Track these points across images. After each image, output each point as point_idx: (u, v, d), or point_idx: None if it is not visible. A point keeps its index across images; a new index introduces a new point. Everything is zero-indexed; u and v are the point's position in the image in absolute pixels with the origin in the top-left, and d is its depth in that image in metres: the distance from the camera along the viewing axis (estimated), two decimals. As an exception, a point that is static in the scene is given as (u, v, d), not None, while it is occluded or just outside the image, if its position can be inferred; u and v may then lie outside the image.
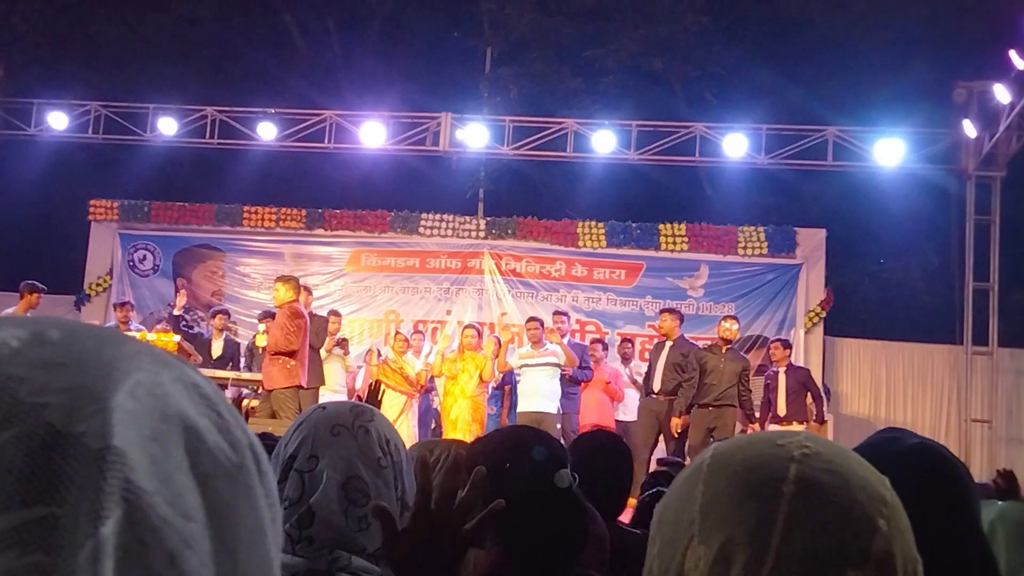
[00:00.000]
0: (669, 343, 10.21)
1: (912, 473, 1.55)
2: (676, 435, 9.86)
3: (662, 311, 10.62)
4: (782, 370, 10.75)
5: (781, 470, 0.89)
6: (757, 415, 10.72)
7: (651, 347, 10.85)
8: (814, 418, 10.64)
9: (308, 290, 11.05)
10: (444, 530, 1.36)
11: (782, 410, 10.58)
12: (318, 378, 10.11)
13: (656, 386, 10.10)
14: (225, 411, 0.60)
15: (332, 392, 10.77)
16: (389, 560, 1.40)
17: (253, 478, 0.59)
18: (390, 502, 1.64)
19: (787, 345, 11.02)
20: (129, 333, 9.37)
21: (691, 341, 10.55)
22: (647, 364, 10.66)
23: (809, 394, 10.74)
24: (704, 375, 9.87)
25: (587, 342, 11.84)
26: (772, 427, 10.49)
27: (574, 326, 12.10)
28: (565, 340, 11.05)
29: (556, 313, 11.52)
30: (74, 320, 0.62)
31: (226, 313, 12.20)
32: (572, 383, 10.77)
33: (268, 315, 11.58)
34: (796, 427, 10.39)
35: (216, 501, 0.56)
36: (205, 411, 0.59)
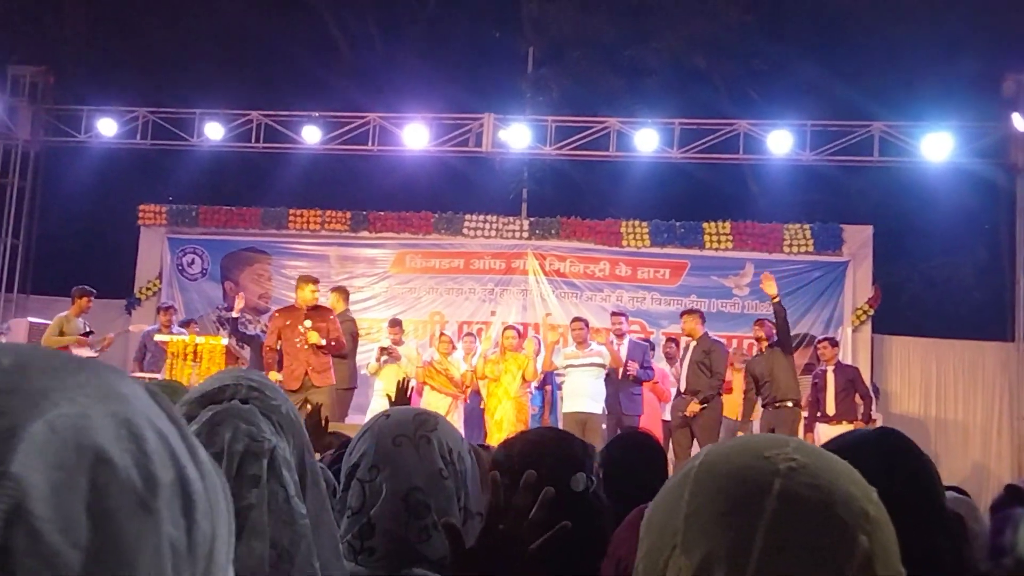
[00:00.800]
0: (693, 343, 10.21)
1: (874, 453, 1.62)
2: (690, 416, 9.85)
3: (683, 314, 10.59)
4: (830, 368, 10.70)
5: (765, 484, 0.89)
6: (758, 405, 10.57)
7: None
8: (861, 417, 10.55)
9: (346, 295, 11.18)
10: (514, 549, 1.37)
11: (831, 409, 10.52)
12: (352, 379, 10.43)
13: (682, 386, 10.10)
14: (154, 449, 0.60)
15: (383, 397, 10.87)
16: None
17: (163, 520, 0.59)
18: (452, 512, 1.65)
19: (835, 343, 11.01)
20: (169, 336, 9.53)
21: (715, 338, 10.51)
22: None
23: (857, 393, 10.66)
24: (759, 383, 9.93)
25: (648, 342, 11.73)
26: (821, 426, 10.45)
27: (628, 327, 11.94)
28: (625, 340, 11.01)
29: (614, 314, 11.47)
30: (37, 348, 0.63)
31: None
32: (635, 383, 10.69)
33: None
34: (845, 426, 10.32)
35: (115, 535, 0.57)
36: (128, 447, 0.59)
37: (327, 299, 10.95)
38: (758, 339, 10.43)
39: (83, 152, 14.77)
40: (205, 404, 1.48)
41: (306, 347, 9.18)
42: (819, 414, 10.60)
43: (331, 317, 9.46)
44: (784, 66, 16.15)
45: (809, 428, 10.78)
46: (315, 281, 9.54)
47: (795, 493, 0.88)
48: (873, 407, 11.22)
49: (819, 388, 10.71)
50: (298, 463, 1.48)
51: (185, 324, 12.08)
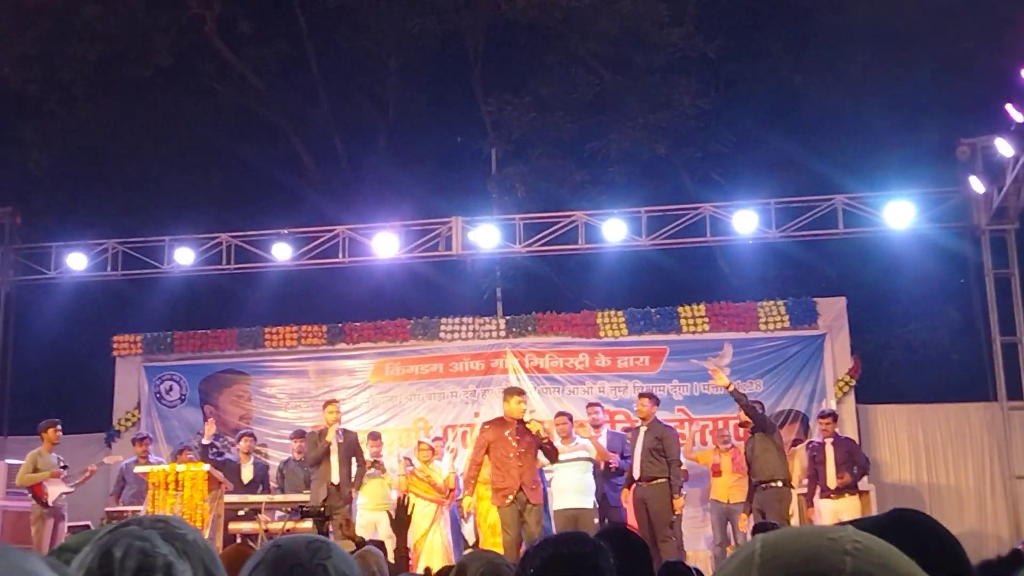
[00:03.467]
0: (644, 428, 10.26)
1: (891, 537, 1.57)
2: (677, 513, 10.02)
3: (640, 396, 10.71)
4: (829, 442, 10.66)
5: (838, 564, 0.91)
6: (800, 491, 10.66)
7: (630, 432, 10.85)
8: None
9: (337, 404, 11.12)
10: None
11: (831, 482, 10.46)
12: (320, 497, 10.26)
13: (636, 473, 10.09)
14: None
15: (375, 510, 10.78)
16: None
17: None
18: None
19: (834, 417, 11.00)
20: (148, 467, 9.47)
21: (665, 424, 10.66)
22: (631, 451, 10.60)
23: (855, 465, 10.63)
24: (749, 466, 10.08)
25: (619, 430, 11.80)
26: (823, 501, 10.39)
27: (604, 418, 12.00)
28: (603, 431, 11.07)
29: (590, 405, 11.58)
30: None
31: (252, 436, 12.23)
32: (617, 474, 10.66)
33: (299, 435, 11.66)
34: (848, 499, 10.28)
35: None
36: None
37: (321, 414, 11.00)
38: (743, 424, 10.44)
39: (54, 288, 14.76)
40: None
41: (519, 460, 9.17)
42: (819, 488, 10.54)
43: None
44: (743, 147, 16.42)
45: (810, 503, 10.72)
46: (521, 392, 9.74)
47: (867, 572, 0.91)
48: (865, 479, 11.17)
49: (818, 462, 10.66)
50: None
51: (180, 452, 11.91)
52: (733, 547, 10.09)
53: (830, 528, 0.97)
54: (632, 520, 10.19)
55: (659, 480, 10.02)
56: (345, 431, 10.75)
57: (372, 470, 11.25)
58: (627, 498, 10.42)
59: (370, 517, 10.57)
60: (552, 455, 9.47)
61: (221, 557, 3.29)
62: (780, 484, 9.88)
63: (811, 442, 11.29)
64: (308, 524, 10.21)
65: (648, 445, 10.12)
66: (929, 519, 1.74)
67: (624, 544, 3.40)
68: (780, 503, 9.82)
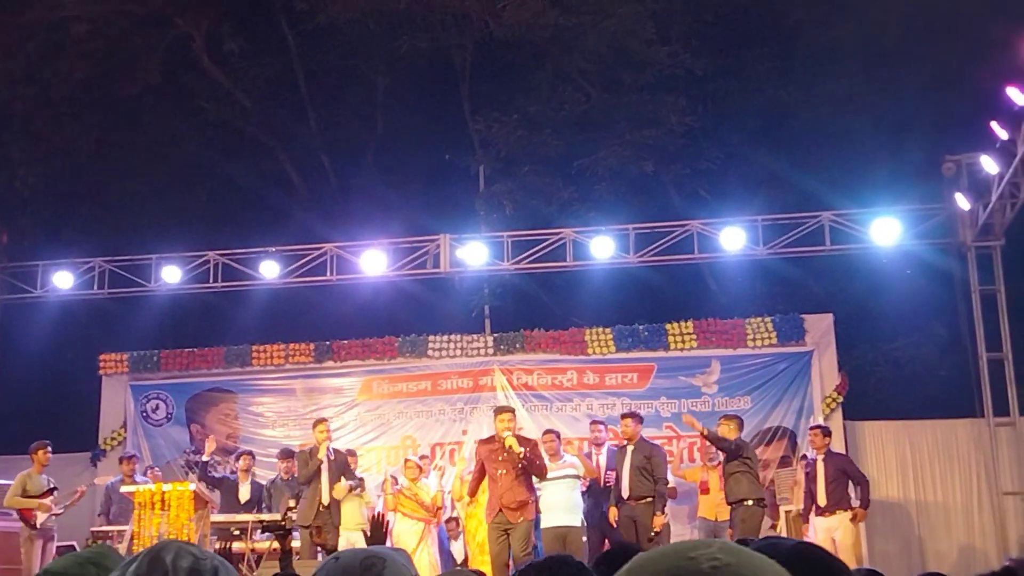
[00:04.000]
0: (631, 447, 10.31)
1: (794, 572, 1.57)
2: (659, 530, 10.05)
3: (623, 416, 10.76)
4: (820, 458, 10.63)
5: None
6: (786, 508, 10.66)
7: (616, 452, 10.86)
8: (860, 503, 10.46)
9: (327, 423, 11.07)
10: None
11: (822, 500, 10.44)
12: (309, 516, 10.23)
13: (625, 493, 10.12)
14: None
15: (353, 530, 10.72)
16: None
17: None
18: None
19: (827, 432, 10.92)
20: (134, 487, 9.42)
21: (652, 442, 10.77)
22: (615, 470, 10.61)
23: (850, 480, 10.60)
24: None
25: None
26: (816, 518, 10.39)
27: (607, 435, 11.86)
28: (604, 449, 11.07)
29: (593, 422, 11.62)
30: None
31: (251, 455, 12.18)
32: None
33: (287, 454, 11.62)
34: (840, 515, 10.26)
35: None
36: None
37: (309, 433, 10.98)
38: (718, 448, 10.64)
39: (40, 307, 14.70)
40: None
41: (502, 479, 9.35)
42: (813, 505, 10.53)
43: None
44: (730, 164, 16.49)
45: (805, 519, 10.71)
46: (507, 410, 9.85)
47: None
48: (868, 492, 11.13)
49: (811, 479, 10.64)
50: None
51: (145, 472, 11.92)
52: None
53: (695, 544, 0.97)
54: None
55: (647, 499, 10.09)
56: (336, 450, 10.72)
57: (358, 489, 11.20)
58: (613, 516, 10.40)
59: (347, 536, 10.53)
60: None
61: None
62: (750, 503, 10.05)
63: (804, 457, 11.30)
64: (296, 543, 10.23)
65: (636, 464, 10.19)
66: (827, 559, 1.70)
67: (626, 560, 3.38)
68: (746, 521, 9.97)
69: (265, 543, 10.46)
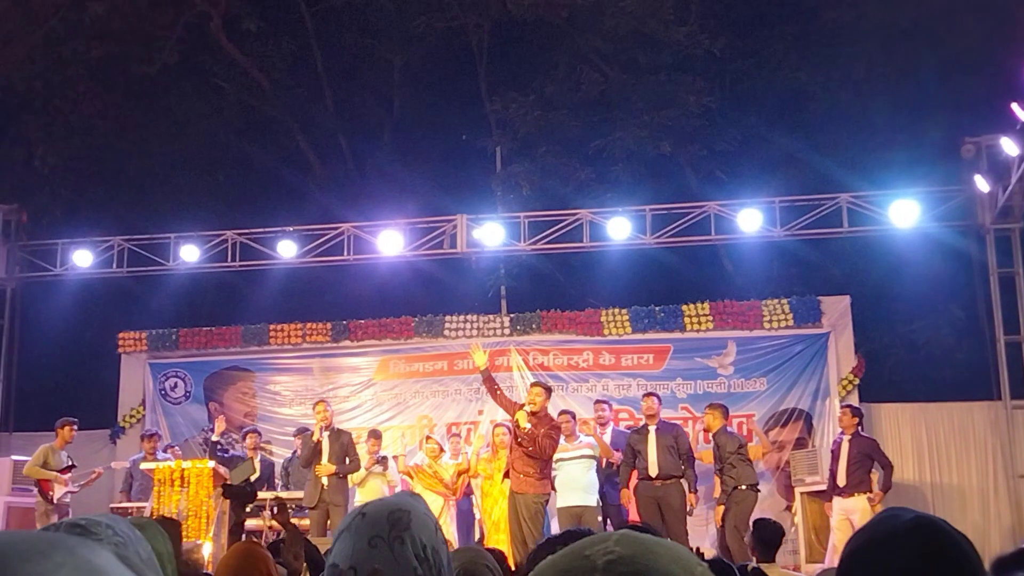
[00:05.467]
0: (653, 427, 10.36)
1: (910, 550, 1.54)
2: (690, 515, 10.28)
3: (647, 395, 10.87)
4: (847, 438, 10.65)
5: None
6: (801, 490, 10.71)
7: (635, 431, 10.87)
8: (881, 487, 10.47)
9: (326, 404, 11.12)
10: None
11: (842, 480, 10.48)
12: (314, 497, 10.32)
13: (653, 471, 10.15)
14: None
15: None
16: None
17: None
18: None
19: (856, 412, 10.94)
20: (155, 463, 9.51)
21: (671, 422, 10.91)
22: (629, 448, 10.65)
23: (876, 463, 10.61)
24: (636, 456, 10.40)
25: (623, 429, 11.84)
26: (836, 498, 10.43)
27: (611, 415, 12.00)
28: (609, 428, 11.13)
29: (597, 402, 11.64)
30: (13, 536, 0.64)
31: (257, 432, 12.27)
32: (619, 472, 10.72)
33: (303, 432, 11.71)
34: (858, 498, 10.28)
35: None
36: None
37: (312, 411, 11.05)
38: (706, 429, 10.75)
39: (60, 285, 14.80)
40: None
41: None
42: (834, 486, 10.57)
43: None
44: (748, 145, 16.43)
45: (828, 499, 10.76)
46: (535, 386, 10.23)
47: None
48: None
49: (835, 458, 10.66)
50: None
51: (165, 449, 12.03)
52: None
53: (592, 541, 0.97)
54: (635, 518, 10.25)
55: (675, 478, 10.14)
56: (339, 431, 10.79)
57: (376, 467, 11.29)
58: (629, 497, 10.43)
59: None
60: (536, 451, 9.54)
61: (229, 554, 3.31)
62: (744, 487, 10.32)
63: (805, 442, 11.48)
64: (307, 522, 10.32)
65: (665, 443, 10.24)
66: (950, 533, 1.62)
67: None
68: (739, 504, 10.24)
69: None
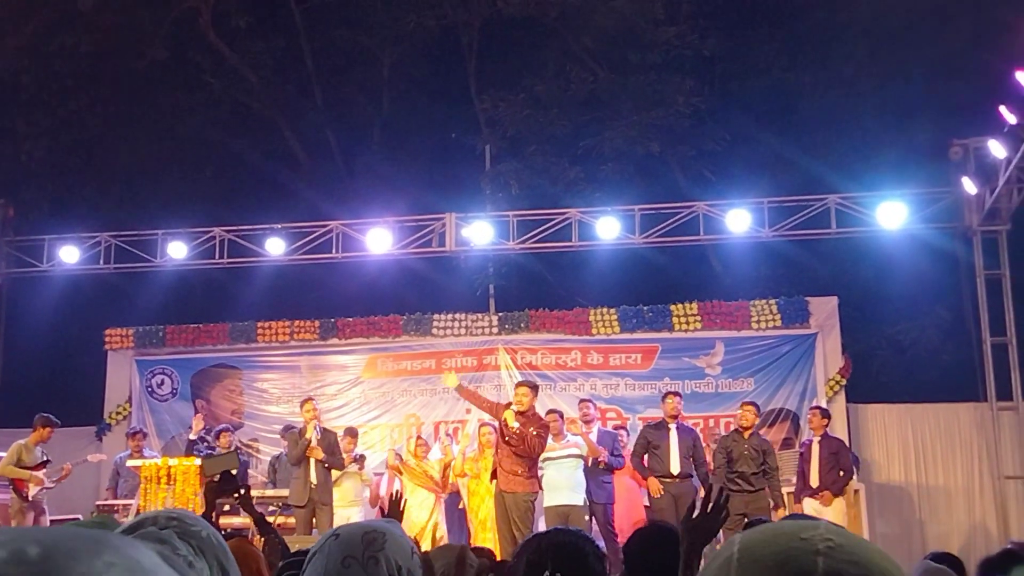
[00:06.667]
0: (673, 425, 10.37)
1: None
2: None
3: (671, 394, 10.86)
4: (816, 439, 10.71)
5: (810, 564, 0.93)
6: (787, 490, 10.72)
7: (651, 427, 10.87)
8: (834, 489, 10.51)
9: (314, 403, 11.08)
10: None
11: (814, 481, 10.51)
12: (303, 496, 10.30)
13: (675, 469, 10.16)
14: None
15: (348, 507, 10.81)
16: None
17: None
18: None
19: (826, 414, 11.01)
20: (141, 461, 9.46)
21: (689, 426, 10.89)
22: (643, 440, 10.64)
23: (840, 469, 10.65)
24: (731, 463, 10.05)
25: (626, 429, 11.90)
26: (806, 500, 10.42)
27: (596, 414, 12.02)
28: (594, 427, 11.13)
29: (582, 401, 11.63)
30: (60, 533, 0.64)
31: (230, 431, 12.21)
32: (606, 471, 10.72)
33: (289, 428, 11.68)
34: (829, 498, 10.30)
35: None
36: None
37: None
38: (743, 427, 10.48)
39: (46, 281, 14.74)
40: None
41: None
42: (805, 486, 10.58)
43: None
44: (737, 146, 16.46)
45: (797, 500, 10.76)
46: (519, 385, 10.20)
47: (839, 570, 0.93)
48: (855, 478, 11.20)
49: (805, 459, 10.71)
50: None
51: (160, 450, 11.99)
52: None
53: (804, 526, 0.98)
54: (631, 515, 10.32)
55: (689, 477, 10.34)
56: (324, 430, 10.77)
57: (352, 465, 11.27)
58: (657, 488, 10.33)
59: (343, 513, 10.62)
60: (525, 450, 9.55)
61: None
62: (763, 491, 10.23)
63: (792, 443, 11.46)
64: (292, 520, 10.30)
65: (686, 444, 10.35)
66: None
67: (659, 539, 3.41)
68: (768, 508, 10.09)
69: (268, 519, 10.52)
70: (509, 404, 9.84)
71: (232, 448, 11.83)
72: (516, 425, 9.52)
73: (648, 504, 10.85)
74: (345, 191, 17.29)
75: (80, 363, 15.36)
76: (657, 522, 5.86)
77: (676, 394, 10.87)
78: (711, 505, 3.01)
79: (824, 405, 12.05)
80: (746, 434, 10.24)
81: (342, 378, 13.97)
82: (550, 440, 10.26)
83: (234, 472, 4.96)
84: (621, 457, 10.76)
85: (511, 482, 9.57)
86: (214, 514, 5.04)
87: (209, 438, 12.05)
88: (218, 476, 4.60)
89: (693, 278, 15.44)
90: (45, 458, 11.04)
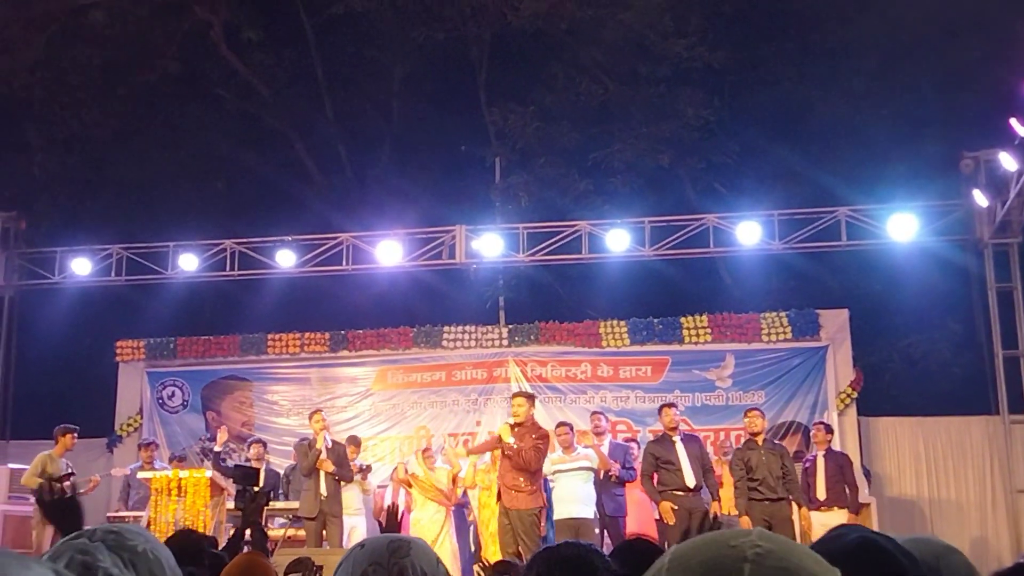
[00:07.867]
0: (677, 437, 10.26)
1: (851, 571, 1.55)
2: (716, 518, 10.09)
3: (668, 406, 10.61)
4: (820, 454, 10.71)
5: (736, 572, 0.93)
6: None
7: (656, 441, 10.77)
8: (849, 505, 10.47)
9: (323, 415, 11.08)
10: None
11: (821, 494, 10.48)
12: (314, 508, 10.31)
13: (691, 483, 10.04)
14: None
15: (351, 516, 10.84)
16: None
17: None
18: None
19: (829, 430, 11.03)
20: (152, 472, 9.46)
21: (692, 434, 10.88)
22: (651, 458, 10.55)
23: (845, 481, 10.63)
24: (750, 471, 9.95)
25: (636, 442, 11.82)
26: (813, 512, 10.38)
27: (607, 426, 11.98)
28: (606, 440, 11.10)
29: (593, 413, 11.62)
30: None
31: (262, 443, 12.22)
32: (618, 484, 10.68)
33: (304, 441, 11.67)
34: (836, 512, 10.28)
35: None
36: None
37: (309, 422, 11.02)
38: (753, 433, 10.35)
39: (58, 293, 14.78)
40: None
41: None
42: (810, 500, 10.54)
43: None
44: (747, 158, 16.46)
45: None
46: (516, 395, 10.05)
47: None
48: (866, 491, 11.17)
49: (809, 474, 10.69)
50: None
51: (180, 459, 11.99)
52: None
53: (738, 534, 0.98)
54: (642, 528, 10.27)
55: (700, 488, 10.17)
56: (334, 442, 10.77)
57: (356, 475, 11.27)
58: (670, 511, 10.22)
59: (346, 522, 10.64)
60: (522, 464, 9.45)
61: (233, 566, 3.26)
62: (785, 499, 10.08)
63: (803, 455, 11.44)
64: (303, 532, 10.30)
65: (694, 454, 10.16)
66: (888, 548, 1.64)
67: (640, 555, 3.41)
68: (790, 516, 10.01)
69: (279, 530, 10.54)
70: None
71: (260, 459, 11.82)
72: (511, 440, 9.47)
73: (659, 517, 10.81)
74: (355, 203, 17.33)
75: (91, 375, 15.39)
76: (639, 536, 5.82)
77: (672, 405, 10.64)
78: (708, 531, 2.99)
79: (835, 418, 12.03)
80: (759, 439, 10.15)
81: (352, 390, 13.98)
82: (560, 452, 10.25)
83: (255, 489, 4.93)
84: (633, 470, 10.70)
85: (514, 499, 9.45)
86: (249, 530, 5.01)
87: (224, 450, 12.05)
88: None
89: (703, 290, 15.43)
90: (70, 470, 11.07)
